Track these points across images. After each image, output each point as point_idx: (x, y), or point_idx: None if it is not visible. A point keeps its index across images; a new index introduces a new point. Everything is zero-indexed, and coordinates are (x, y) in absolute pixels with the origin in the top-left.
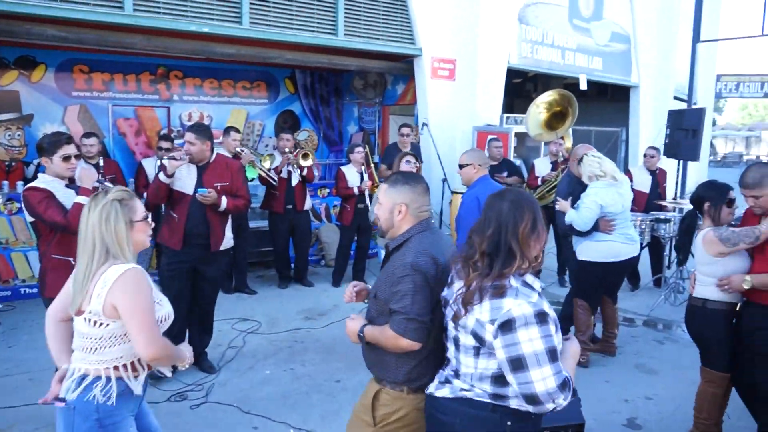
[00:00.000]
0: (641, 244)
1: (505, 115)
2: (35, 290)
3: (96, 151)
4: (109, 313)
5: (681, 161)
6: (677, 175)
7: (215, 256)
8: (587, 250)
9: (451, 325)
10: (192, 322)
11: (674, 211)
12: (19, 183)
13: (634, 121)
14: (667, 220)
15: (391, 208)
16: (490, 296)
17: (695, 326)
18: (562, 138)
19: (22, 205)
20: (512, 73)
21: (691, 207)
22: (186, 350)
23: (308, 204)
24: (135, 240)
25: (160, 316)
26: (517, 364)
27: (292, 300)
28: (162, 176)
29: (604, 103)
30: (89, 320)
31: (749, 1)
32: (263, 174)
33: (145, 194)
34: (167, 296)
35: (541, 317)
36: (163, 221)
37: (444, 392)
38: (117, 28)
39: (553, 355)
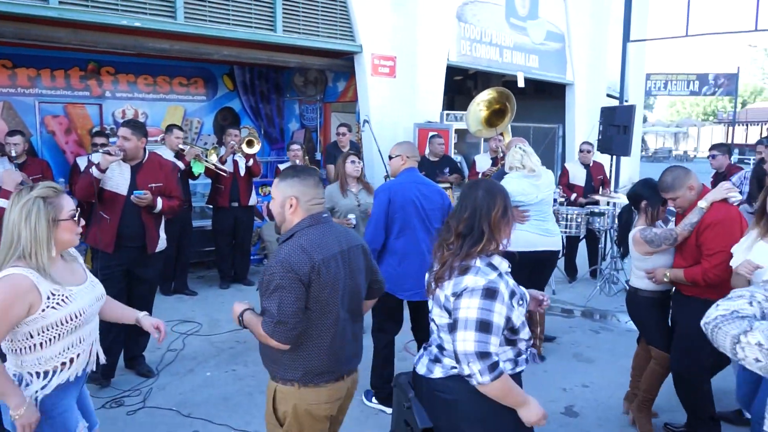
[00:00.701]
0: (579, 237)
1: (445, 112)
2: None
3: (21, 150)
4: None
5: (614, 156)
6: (611, 170)
7: (151, 258)
8: None
9: (430, 303)
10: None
11: (607, 204)
12: None
13: (569, 117)
14: (601, 214)
15: (282, 202)
16: (456, 274)
17: (632, 310)
18: (501, 134)
19: None
20: (453, 71)
21: (625, 201)
22: (28, 410)
23: (253, 199)
24: (60, 239)
25: (62, 316)
26: (453, 326)
27: (234, 300)
28: (95, 171)
29: (543, 100)
30: None
31: (675, 3)
32: (210, 166)
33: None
34: None
35: (489, 292)
36: (92, 222)
37: (437, 373)
38: (42, 21)
39: (482, 326)
